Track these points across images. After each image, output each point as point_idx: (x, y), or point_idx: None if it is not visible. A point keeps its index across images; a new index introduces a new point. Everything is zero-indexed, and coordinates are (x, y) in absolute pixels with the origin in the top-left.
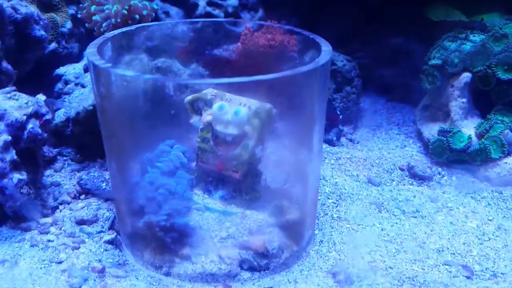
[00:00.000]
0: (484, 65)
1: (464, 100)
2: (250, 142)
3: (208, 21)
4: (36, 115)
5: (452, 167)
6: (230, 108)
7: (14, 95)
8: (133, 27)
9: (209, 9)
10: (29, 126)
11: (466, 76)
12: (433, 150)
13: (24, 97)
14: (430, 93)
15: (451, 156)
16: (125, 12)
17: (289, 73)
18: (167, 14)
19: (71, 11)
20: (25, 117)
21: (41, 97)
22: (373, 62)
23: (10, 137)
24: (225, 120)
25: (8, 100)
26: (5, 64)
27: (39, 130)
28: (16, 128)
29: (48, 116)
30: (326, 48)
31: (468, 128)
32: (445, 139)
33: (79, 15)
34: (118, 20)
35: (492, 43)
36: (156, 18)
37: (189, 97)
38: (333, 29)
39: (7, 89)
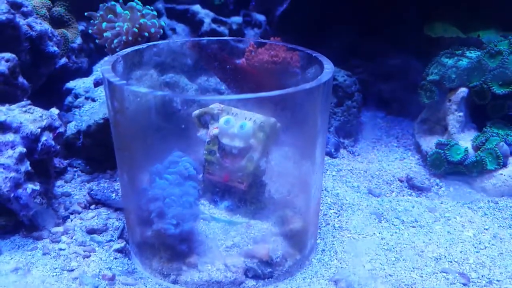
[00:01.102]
0: (480, 81)
1: (461, 114)
2: (255, 155)
3: (213, 39)
4: (49, 128)
5: (449, 179)
6: (236, 122)
7: (29, 108)
8: (144, 45)
9: (214, 26)
10: (43, 138)
11: (462, 91)
12: (431, 162)
13: (38, 111)
14: (428, 107)
15: (448, 168)
16: (136, 30)
17: (292, 90)
18: (173, 30)
19: (81, 27)
20: (39, 130)
21: (55, 110)
22: (373, 77)
23: (25, 149)
24: (231, 134)
25: (23, 114)
26: (21, 79)
27: (53, 142)
28: (31, 141)
29: (61, 129)
30: (328, 66)
31: (465, 141)
32: (442, 151)
33: (90, 31)
34: (130, 38)
35: (487, 59)
36: (163, 35)
37: (197, 112)
38: (334, 46)
39: (23, 103)
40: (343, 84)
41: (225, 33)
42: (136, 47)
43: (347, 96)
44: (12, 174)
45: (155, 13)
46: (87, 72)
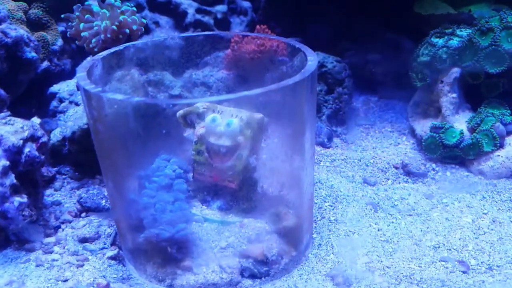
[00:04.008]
0: (472, 60)
1: (455, 95)
2: (244, 152)
3: (195, 34)
4: (32, 138)
5: (446, 163)
6: (223, 120)
7: (10, 120)
8: (121, 47)
9: (198, 16)
10: (26, 150)
11: (455, 71)
12: (426, 147)
13: (19, 122)
14: (421, 89)
15: (444, 152)
16: (115, 28)
17: (275, 87)
18: (157, 24)
19: (61, 28)
20: (21, 141)
21: (36, 120)
22: (364, 60)
23: (8, 162)
24: (218, 132)
25: (3, 126)
26: None
27: (36, 153)
28: (14, 153)
29: (44, 139)
30: (311, 57)
31: (460, 122)
32: (437, 135)
33: (68, 34)
34: (108, 35)
35: (478, 37)
36: (147, 29)
37: (181, 111)
38: (324, 29)
39: (2, 114)
40: (332, 70)
41: (210, 23)
42: (113, 49)
43: (337, 83)
44: None
45: (134, 9)
46: (70, 74)
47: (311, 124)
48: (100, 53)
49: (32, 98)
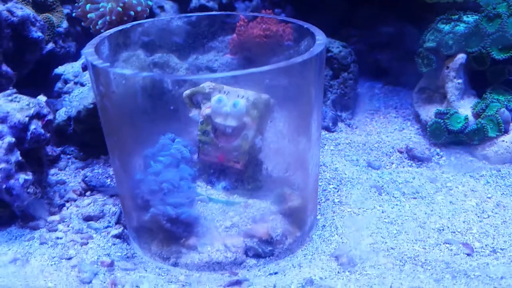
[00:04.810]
0: (478, 46)
1: (460, 81)
2: (249, 133)
3: (202, 15)
4: (38, 116)
5: (450, 148)
6: (229, 100)
7: (16, 97)
8: (128, 25)
9: (203, 1)
10: (32, 127)
11: (461, 57)
12: (431, 132)
13: (25, 99)
14: (426, 75)
15: (449, 137)
16: (120, 9)
17: (284, 65)
18: (161, 8)
19: (66, 10)
20: (27, 118)
21: (42, 98)
22: (370, 47)
23: (13, 139)
24: (224, 113)
25: (9, 103)
26: (4, 67)
27: (42, 131)
28: (19, 130)
29: (50, 117)
30: (320, 37)
31: (465, 108)
32: (442, 121)
33: (73, 14)
34: (113, 17)
35: (485, 23)
36: (151, 13)
37: (187, 91)
38: (328, 16)
39: (8, 91)
40: (338, 55)
41: (214, 8)
42: (120, 27)
43: (343, 68)
44: (2, 165)
45: None
46: (75, 57)
47: (318, 105)
48: (107, 31)
49: (37, 80)
